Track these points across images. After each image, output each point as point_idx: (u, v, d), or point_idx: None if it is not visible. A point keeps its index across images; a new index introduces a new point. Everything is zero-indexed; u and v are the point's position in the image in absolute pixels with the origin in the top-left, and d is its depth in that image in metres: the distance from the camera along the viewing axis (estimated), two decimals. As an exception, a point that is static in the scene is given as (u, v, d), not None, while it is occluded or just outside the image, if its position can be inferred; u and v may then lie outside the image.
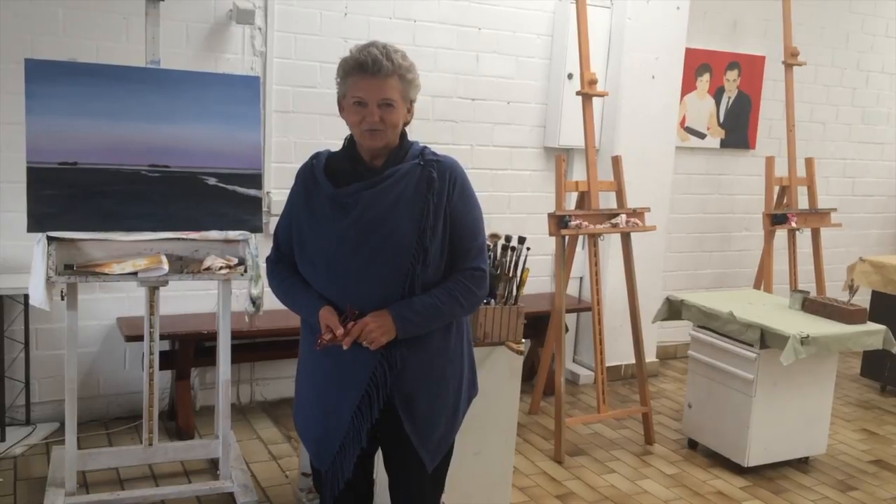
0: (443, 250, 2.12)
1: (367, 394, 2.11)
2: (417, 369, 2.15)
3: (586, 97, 4.14)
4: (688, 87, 5.34)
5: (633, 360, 4.38)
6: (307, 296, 2.15)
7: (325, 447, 2.20)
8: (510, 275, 3.04)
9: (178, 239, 3.06)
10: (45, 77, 2.93)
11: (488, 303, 2.99)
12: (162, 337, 3.41)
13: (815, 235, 5.30)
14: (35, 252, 2.94)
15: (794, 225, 5.09)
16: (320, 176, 2.16)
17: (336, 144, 2.24)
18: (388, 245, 2.07)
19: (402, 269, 2.07)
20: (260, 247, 3.18)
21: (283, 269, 2.24)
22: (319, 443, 2.21)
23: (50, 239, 2.87)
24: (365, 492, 2.34)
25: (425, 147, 2.20)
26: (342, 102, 2.15)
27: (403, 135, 2.18)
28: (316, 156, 2.23)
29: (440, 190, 2.11)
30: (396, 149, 2.15)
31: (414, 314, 2.07)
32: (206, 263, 3.06)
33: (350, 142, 2.19)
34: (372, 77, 2.05)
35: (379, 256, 2.07)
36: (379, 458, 2.37)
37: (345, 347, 2.05)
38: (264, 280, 3.08)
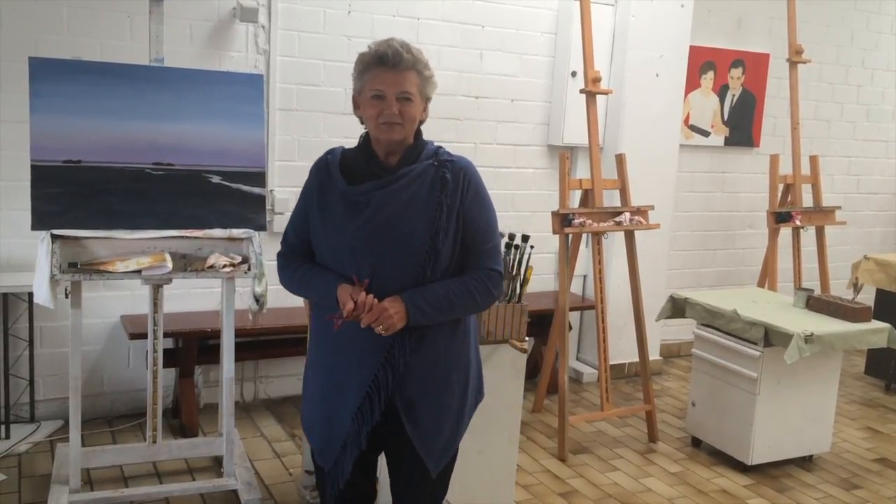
0: (453, 253, 2.11)
1: (368, 396, 2.10)
2: (421, 373, 2.13)
3: (590, 95, 4.13)
4: (692, 84, 5.33)
5: (636, 359, 4.37)
6: (323, 277, 2.12)
7: (328, 446, 2.19)
8: (514, 273, 3.04)
9: (182, 237, 3.06)
10: (49, 75, 2.93)
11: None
12: (166, 335, 3.42)
13: (820, 233, 5.29)
14: (39, 250, 2.94)
15: (798, 223, 5.08)
16: (335, 171, 2.14)
17: (339, 142, 2.23)
18: (400, 246, 2.06)
19: (413, 271, 2.06)
20: (264, 245, 3.18)
21: (293, 259, 2.22)
22: (323, 441, 2.21)
23: (54, 237, 2.88)
24: (367, 492, 2.33)
25: (440, 147, 2.19)
26: (358, 99, 2.14)
27: (418, 134, 2.17)
28: (331, 151, 2.21)
29: (453, 191, 2.10)
30: (411, 147, 2.14)
31: (426, 303, 2.05)
32: (210, 261, 3.06)
33: (365, 139, 2.17)
34: (391, 70, 2.06)
35: (390, 257, 2.06)
36: (382, 458, 2.36)
37: (362, 325, 2.01)
38: (268, 278, 3.09)
